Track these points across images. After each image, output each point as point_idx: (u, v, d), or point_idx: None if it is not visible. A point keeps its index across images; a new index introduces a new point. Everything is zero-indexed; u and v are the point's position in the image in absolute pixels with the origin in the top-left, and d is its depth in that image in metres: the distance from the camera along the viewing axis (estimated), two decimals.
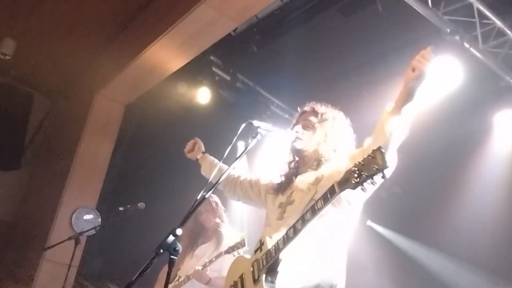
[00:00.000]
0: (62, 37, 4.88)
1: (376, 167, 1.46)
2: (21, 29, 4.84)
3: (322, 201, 1.66)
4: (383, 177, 1.49)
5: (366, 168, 1.50)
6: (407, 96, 1.71)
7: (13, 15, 4.67)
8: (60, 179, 4.96)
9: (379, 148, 1.50)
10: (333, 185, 1.63)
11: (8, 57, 4.99)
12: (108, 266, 5.07)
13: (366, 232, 5.36)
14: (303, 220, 1.72)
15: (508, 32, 3.74)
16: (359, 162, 1.53)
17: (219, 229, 3.33)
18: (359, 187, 1.53)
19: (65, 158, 5.09)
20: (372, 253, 5.21)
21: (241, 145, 3.16)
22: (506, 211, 4.34)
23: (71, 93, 5.67)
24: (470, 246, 4.50)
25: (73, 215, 4.71)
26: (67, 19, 4.64)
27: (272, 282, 1.79)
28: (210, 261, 3.12)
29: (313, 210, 1.69)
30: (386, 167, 1.45)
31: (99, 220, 4.68)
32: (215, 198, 3.38)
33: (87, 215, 4.76)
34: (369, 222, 5.50)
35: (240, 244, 3.04)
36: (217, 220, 3.34)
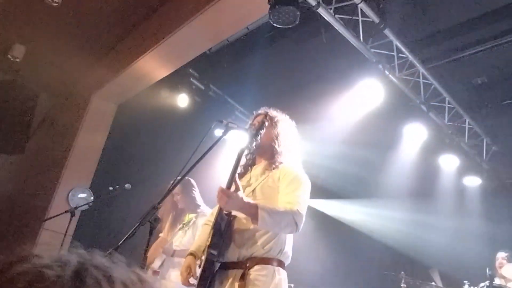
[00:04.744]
0: (66, 45, 4.72)
1: None
2: (31, 36, 4.65)
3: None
4: None
5: None
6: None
7: (25, 24, 4.48)
8: (59, 163, 4.79)
9: None
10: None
11: (18, 60, 4.79)
12: (99, 235, 4.93)
13: None
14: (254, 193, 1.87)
15: (417, 65, 3.93)
16: None
17: (195, 210, 3.15)
18: None
19: (65, 146, 4.92)
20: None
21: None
22: (408, 200, 4.63)
23: (72, 92, 5.49)
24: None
25: (70, 193, 4.57)
26: (71, 29, 4.49)
27: None
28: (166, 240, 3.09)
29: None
30: None
31: (92, 197, 4.55)
32: (192, 181, 3.26)
33: (82, 193, 4.62)
34: None
35: (188, 223, 3.02)
36: (191, 202, 3.17)
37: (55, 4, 3.78)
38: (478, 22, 3.73)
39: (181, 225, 3.07)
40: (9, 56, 4.76)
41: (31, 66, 5.10)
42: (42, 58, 5.01)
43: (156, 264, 3.00)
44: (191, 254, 1.96)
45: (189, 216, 3.08)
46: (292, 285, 4.41)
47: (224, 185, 1.79)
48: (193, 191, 3.23)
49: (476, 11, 3.68)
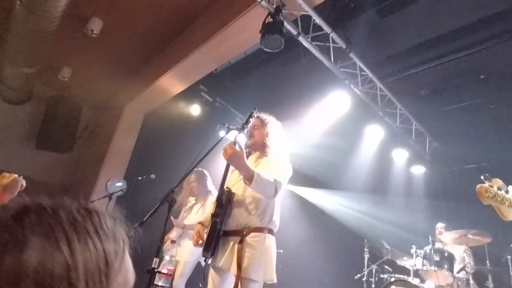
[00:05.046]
0: (103, 67, 4.67)
1: None
2: (76, 60, 4.59)
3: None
4: None
5: None
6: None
7: (71, 51, 4.43)
8: (99, 160, 4.75)
9: None
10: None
11: (66, 79, 4.73)
12: (131, 214, 4.86)
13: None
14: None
15: (375, 80, 3.93)
16: None
17: (207, 195, 3.10)
18: None
19: (104, 146, 4.87)
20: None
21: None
22: (369, 184, 4.62)
23: (108, 104, 5.43)
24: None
25: (108, 183, 4.48)
26: (107, 54, 4.44)
27: None
28: (183, 217, 3.05)
29: None
30: None
31: (125, 186, 4.48)
32: (205, 172, 3.19)
33: (118, 183, 4.54)
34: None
35: (190, 203, 2.99)
36: (203, 189, 3.14)
37: (94, 35, 3.74)
38: (421, 47, 3.74)
39: (187, 206, 3.05)
40: (59, 76, 4.70)
41: (76, 84, 5.04)
42: (84, 78, 4.96)
43: (172, 235, 2.97)
44: (199, 223, 1.94)
45: (190, 198, 3.07)
46: (281, 250, 4.39)
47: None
48: (206, 180, 3.22)
49: (420, 39, 3.70)
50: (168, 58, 4.12)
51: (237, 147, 1.66)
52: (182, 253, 2.85)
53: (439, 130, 4.70)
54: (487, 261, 3.35)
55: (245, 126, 1.83)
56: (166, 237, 2.82)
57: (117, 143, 4.78)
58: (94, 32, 3.69)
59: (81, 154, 5.55)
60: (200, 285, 1.87)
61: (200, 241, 1.83)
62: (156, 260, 1.71)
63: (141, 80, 4.66)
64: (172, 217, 3.00)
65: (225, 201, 1.78)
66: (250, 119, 1.84)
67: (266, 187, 1.64)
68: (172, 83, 4.21)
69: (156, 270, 1.70)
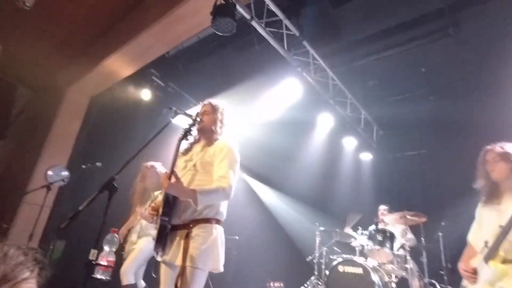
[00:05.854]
0: (41, 44, 4.23)
1: None
2: (6, 36, 4.09)
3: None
4: None
5: None
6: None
7: (0, 24, 3.93)
8: (38, 147, 4.34)
9: None
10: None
11: None
12: (76, 206, 4.57)
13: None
14: (195, 166, 1.82)
15: (327, 69, 4.06)
16: None
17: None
18: None
19: (43, 132, 4.46)
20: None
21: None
22: (320, 170, 4.82)
23: (48, 86, 4.96)
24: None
25: (47, 171, 4.15)
26: (45, 30, 4.03)
27: None
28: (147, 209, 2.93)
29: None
30: None
31: (68, 175, 4.18)
32: (156, 165, 3.06)
33: (59, 171, 4.22)
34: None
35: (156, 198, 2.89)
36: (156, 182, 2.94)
37: (27, 8, 3.34)
38: (371, 39, 3.92)
39: (150, 201, 2.91)
40: None
41: (8, 62, 4.51)
42: (18, 56, 4.46)
43: (133, 237, 2.84)
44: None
45: (154, 194, 2.94)
46: (237, 237, 4.45)
47: (170, 167, 1.75)
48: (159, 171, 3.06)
49: (370, 31, 3.87)
50: (115, 38, 3.86)
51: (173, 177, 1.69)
52: (140, 243, 2.77)
53: (384, 119, 5.03)
54: (422, 239, 3.68)
55: (188, 133, 1.84)
56: (121, 235, 2.72)
57: (59, 128, 4.42)
58: (27, 4, 3.30)
59: (17, 141, 5.04)
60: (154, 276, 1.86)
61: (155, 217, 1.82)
62: (94, 252, 1.64)
63: (86, 61, 4.32)
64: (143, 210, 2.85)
65: (172, 198, 1.75)
66: (192, 127, 1.85)
67: (214, 197, 1.69)
68: (119, 65, 3.97)
69: (94, 262, 1.63)
